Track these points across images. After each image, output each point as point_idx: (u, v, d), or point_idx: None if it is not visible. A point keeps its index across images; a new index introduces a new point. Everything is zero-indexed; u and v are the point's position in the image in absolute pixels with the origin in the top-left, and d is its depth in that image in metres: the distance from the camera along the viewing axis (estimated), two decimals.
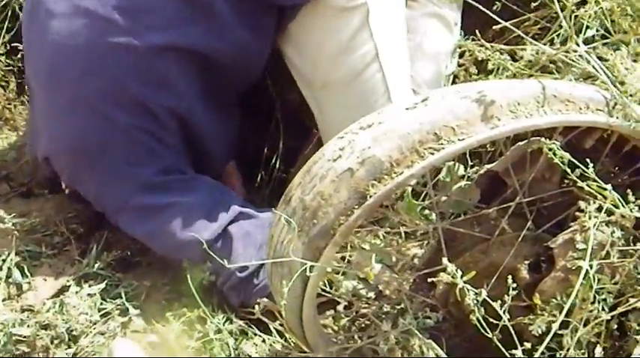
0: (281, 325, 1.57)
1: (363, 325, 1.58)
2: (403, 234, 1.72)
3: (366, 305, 1.58)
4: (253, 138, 2.17)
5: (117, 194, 1.81)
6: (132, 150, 1.78)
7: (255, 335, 1.71)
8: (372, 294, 1.65)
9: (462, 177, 1.58)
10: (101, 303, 1.78)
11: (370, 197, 1.20)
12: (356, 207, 1.21)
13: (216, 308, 1.78)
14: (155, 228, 1.80)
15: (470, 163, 1.80)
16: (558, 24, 1.61)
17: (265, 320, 1.53)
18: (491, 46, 1.54)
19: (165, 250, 1.85)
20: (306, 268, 1.24)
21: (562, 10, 1.36)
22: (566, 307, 1.19)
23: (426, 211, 1.65)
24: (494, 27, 1.48)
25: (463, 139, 1.19)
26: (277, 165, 2.16)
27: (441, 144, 1.19)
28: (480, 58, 1.56)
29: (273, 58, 1.99)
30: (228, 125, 1.99)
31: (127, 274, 1.90)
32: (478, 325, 1.23)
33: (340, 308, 1.63)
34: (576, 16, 1.41)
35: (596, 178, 1.24)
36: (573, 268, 1.24)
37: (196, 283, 1.69)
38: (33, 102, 1.94)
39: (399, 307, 1.50)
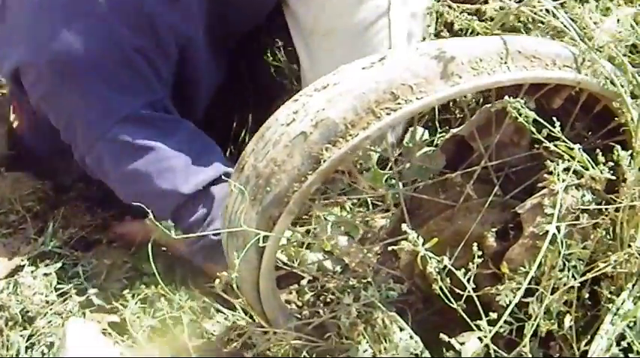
0: None
1: (328, 300, 1.52)
2: (370, 205, 1.66)
3: (332, 279, 1.51)
4: (222, 113, 2.10)
5: (96, 121, 1.66)
6: (124, 73, 1.65)
7: (219, 311, 1.65)
8: (338, 268, 1.59)
9: (430, 143, 1.52)
10: (58, 283, 1.71)
11: (324, 161, 1.13)
12: (310, 172, 1.14)
13: (178, 285, 1.71)
14: (131, 169, 1.66)
15: (439, 131, 1.75)
16: None
17: (226, 296, 1.46)
18: (458, 7, 1.46)
19: (137, 197, 1.67)
20: (260, 239, 1.17)
21: None
22: (531, 273, 1.13)
23: (393, 181, 1.59)
24: None
25: (421, 98, 1.12)
26: (246, 140, 2.09)
27: (399, 103, 1.12)
28: (448, 20, 1.50)
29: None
30: (218, 73, 1.89)
31: (86, 253, 1.83)
32: (442, 295, 1.17)
33: (304, 282, 1.57)
34: None
35: (565, 138, 1.18)
36: (541, 234, 1.18)
37: (160, 236, 1.61)
38: (5, 15, 1.75)
39: (365, 280, 1.43)
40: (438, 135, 1.70)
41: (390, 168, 1.55)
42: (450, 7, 1.44)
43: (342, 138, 1.13)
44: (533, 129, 1.17)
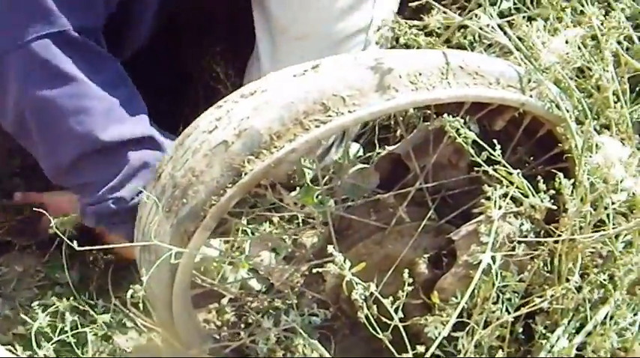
0: None
1: (250, 320, 1.43)
2: (301, 222, 1.58)
3: (255, 299, 1.43)
4: (169, 117, 1.99)
5: (17, 26, 1.39)
6: None
7: (135, 326, 1.54)
8: (262, 287, 1.50)
9: (364, 160, 1.44)
10: None
11: (245, 174, 1.04)
12: (229, 185, 1.05)
13: (94, 296, 1.60)
14: (42, 96, 1.41)
15: (377, 149, 1.67)
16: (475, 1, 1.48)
17: (136, 312, 1.36)
18: (405, 23, 1.39)
19: (36, 132, 1.46)
20: (172, 255, 1.08)
21: None
22: (461, 304, 1.05)
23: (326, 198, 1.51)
24: (410, 4, 1.34)
25: (354, 111, 1.04)
26: None
27: (329, 115, 1.04)
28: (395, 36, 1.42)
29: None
30: (149, 31, 1.67)
31: None
32: (367, 324, 1.09)
33: (225, 301, 1.48)
34: None
35: (505, 162, 1.11)
36: (475, 263, 1.10)
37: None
38: None
39: (290, 302, 1.35)
40: (375, 154, 1.62)
41: (325, 184, 1.47)
42: (398, 22, 1.37)
43: (265, 150, 1.04)
44: (472, 152, 1.10)
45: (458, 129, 1.09)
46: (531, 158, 1.34)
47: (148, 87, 1.65)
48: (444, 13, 1.19)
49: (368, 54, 1.11)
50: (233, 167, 1.05)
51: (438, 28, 1.30)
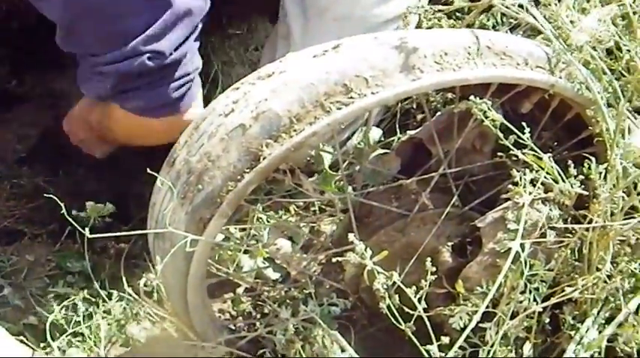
0: None
1: (266, 310, 1.39)
2: (318, 210, 1.54)
3: (271, 289, 1.39)
4: None
5: None
6: None
7: (148, 315, 1.50)
8: (279, 276, 1.46)
9: (384, 146, 1.39)
10: None
11: (264, 159, 1.00)
12: (247, 170, 1.01)
13: (107, 285, 1.56)
14: None
15: (398, 135, 1.63)
16: None
17: (148, 302, 1.32)
18: (430, 8, 1.34)
19: None
20: (188, 243, 1.04)
21: None
22: (490, 295, 1.01)
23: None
24: None
25: (377, 92, 0.99)
26: None
27: (351, 97, 0.99)
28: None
29: None
30: None
31: (6, 247, 1.66)
32: (389, 314, 1.05)
33: (240, 290, 1.44)
34: None
35: (534, 146, 1.06)
36: (502, 251, 1.06)
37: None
38: None
39: (307, 292, 1.31)
40: (396, 139, 1.57)
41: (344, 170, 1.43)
42: (424, 8, 1.31)
43: (284, 134, 1.00)
44: (500, 135, 1.05)
45: (485, 112, 1.05)
46: (555, 143, 1.29)
47: None
48: None
49: (391, 34, 1.06)
50: (251, 151, 1.01)
51: (460, 10, 1.25)
